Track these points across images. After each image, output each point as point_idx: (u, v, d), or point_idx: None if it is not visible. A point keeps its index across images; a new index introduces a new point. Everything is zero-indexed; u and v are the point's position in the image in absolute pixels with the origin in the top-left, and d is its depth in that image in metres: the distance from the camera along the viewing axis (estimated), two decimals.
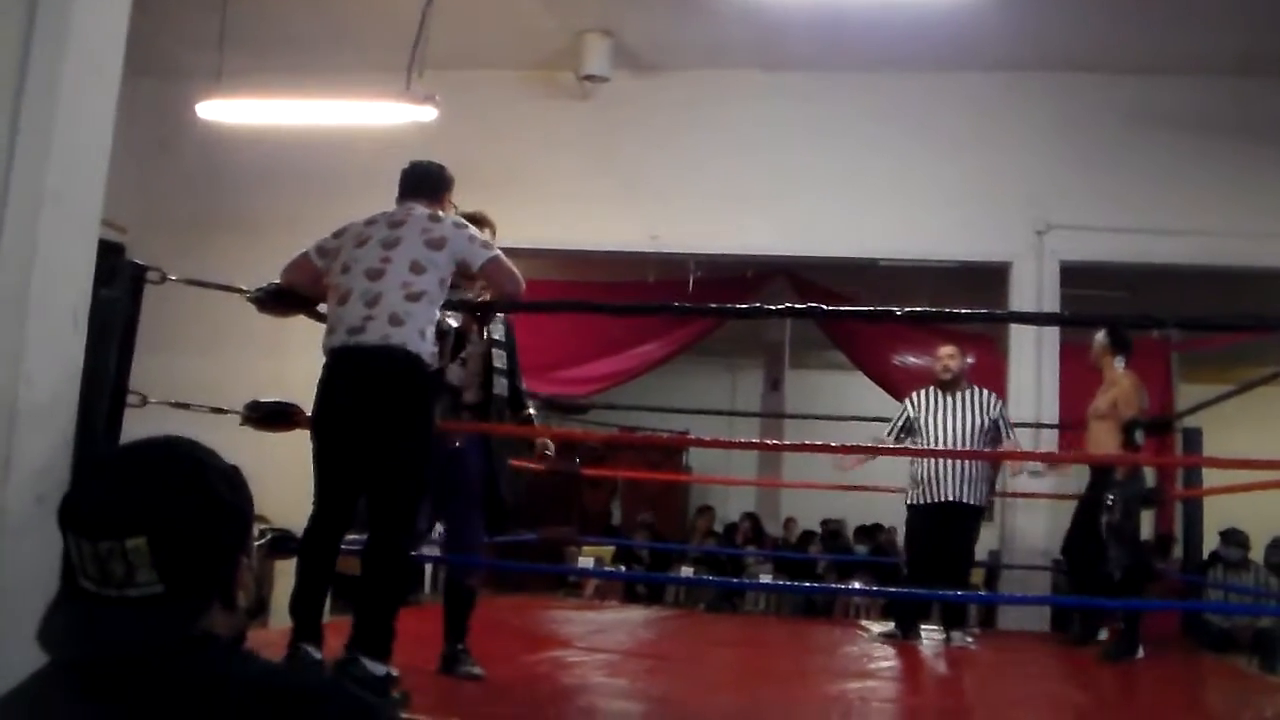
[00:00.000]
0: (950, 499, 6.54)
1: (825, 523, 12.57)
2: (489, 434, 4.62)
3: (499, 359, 4.65)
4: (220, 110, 7.93)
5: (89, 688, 1.32)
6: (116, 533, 1.32)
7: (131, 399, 4.04)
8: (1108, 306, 9.74)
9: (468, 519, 4.53)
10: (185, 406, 4.54)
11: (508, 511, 4.79)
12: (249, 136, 8.33)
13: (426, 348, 3.82)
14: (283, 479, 4.16)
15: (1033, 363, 7.96)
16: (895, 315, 5.00)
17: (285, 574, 3.92)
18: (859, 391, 10.85)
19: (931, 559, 6.60)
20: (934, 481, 6.57)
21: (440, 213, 4.12)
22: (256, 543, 1.56)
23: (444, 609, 4.53)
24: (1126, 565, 6.16)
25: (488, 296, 4.44)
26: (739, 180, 8.53)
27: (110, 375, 3.86)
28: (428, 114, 7.42)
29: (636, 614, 8.12)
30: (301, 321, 4.48)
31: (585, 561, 9.87)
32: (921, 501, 6.65)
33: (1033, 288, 8.18)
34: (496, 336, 4.65)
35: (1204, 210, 7.99)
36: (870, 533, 11.85)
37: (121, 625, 1.32)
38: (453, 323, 4.24)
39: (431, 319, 3.88)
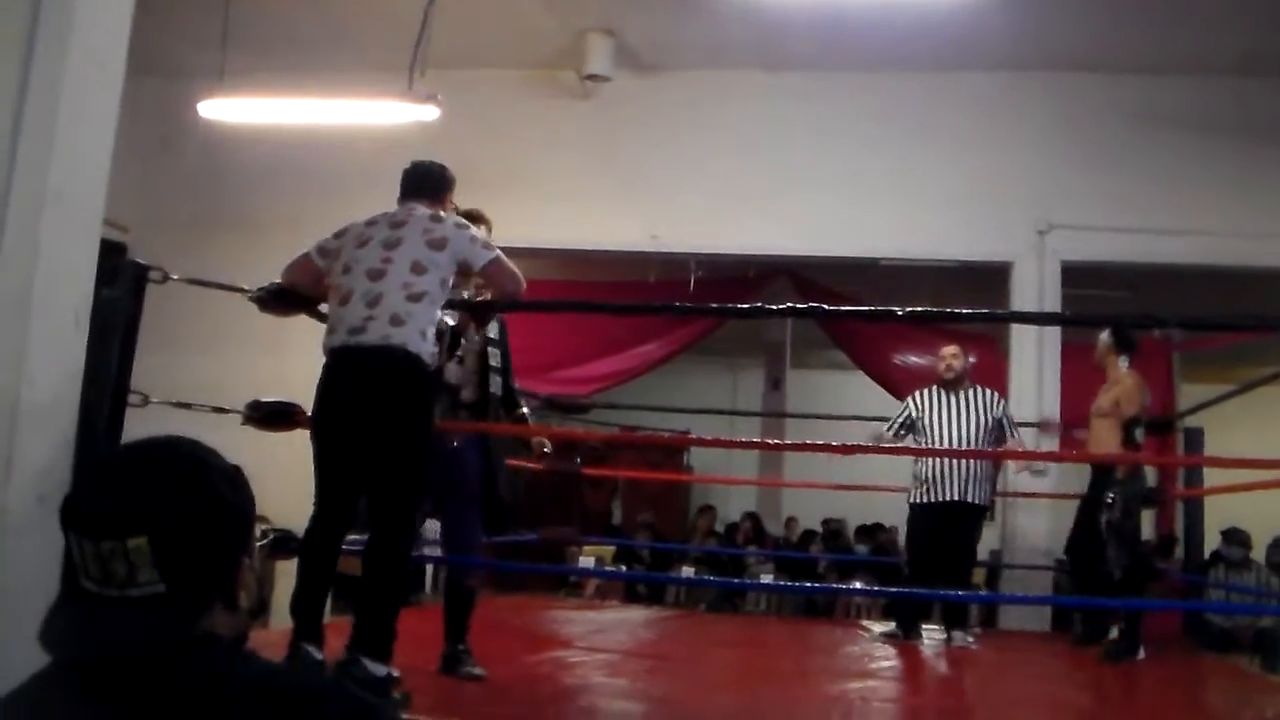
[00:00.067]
0: (954, 498, 6.54)
1: (826, 522, 12.57)
2: (487, 433, 4.63)
3: (494, 357, 4.65)
4: (222, 109, 7.94)
5: (90, 688, 1.32)
6: (118, 532, 1.32)
7: (133, 399, 4.03)
8: (1109, 306, 9.74)
9: (466, 519, 4.52)
10: (187, 406, 4.54)
11: (506, 510, 4.79)
12: (251, 136, 8.34)
13: (427, 348, 3.82)
14: (284, 479, 4.16)
15: (1034, 362, 7.96)
16: (896, 315, 5.00)
17: (286, 574, 3.93)
18: (860, 391, 10.85)
19: (933, 558, 6.60)
20: (938, 481, 6.56)
21: (442, 213, 4.12)
22: (258, 543, 1.55)
23: (444, 609, 4.53)
24: (1127, 565, 6.15)
25: (488, 295, 4.44)
26: (740, 180, 8.54)
27: (112, 375, 3.85)
28: (429, 113, 7.43)
29: (637, 614, 8.12)
30: (303, 321, 4.48)
31: (586, 561, 9.88)
32: (925, 500, 6.64)
33: (1034, 287, 8.18)
34: (492, 335, 4.65)
35: (1205, 210, 7.99)
36: (871, 532, 11.84)
37: (123, 625, 1.32)
38: (449, 321, 4.24)
39: (432, 319, 3.88)
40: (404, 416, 3.77)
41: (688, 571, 10.03)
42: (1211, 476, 7.27)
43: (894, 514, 8.64)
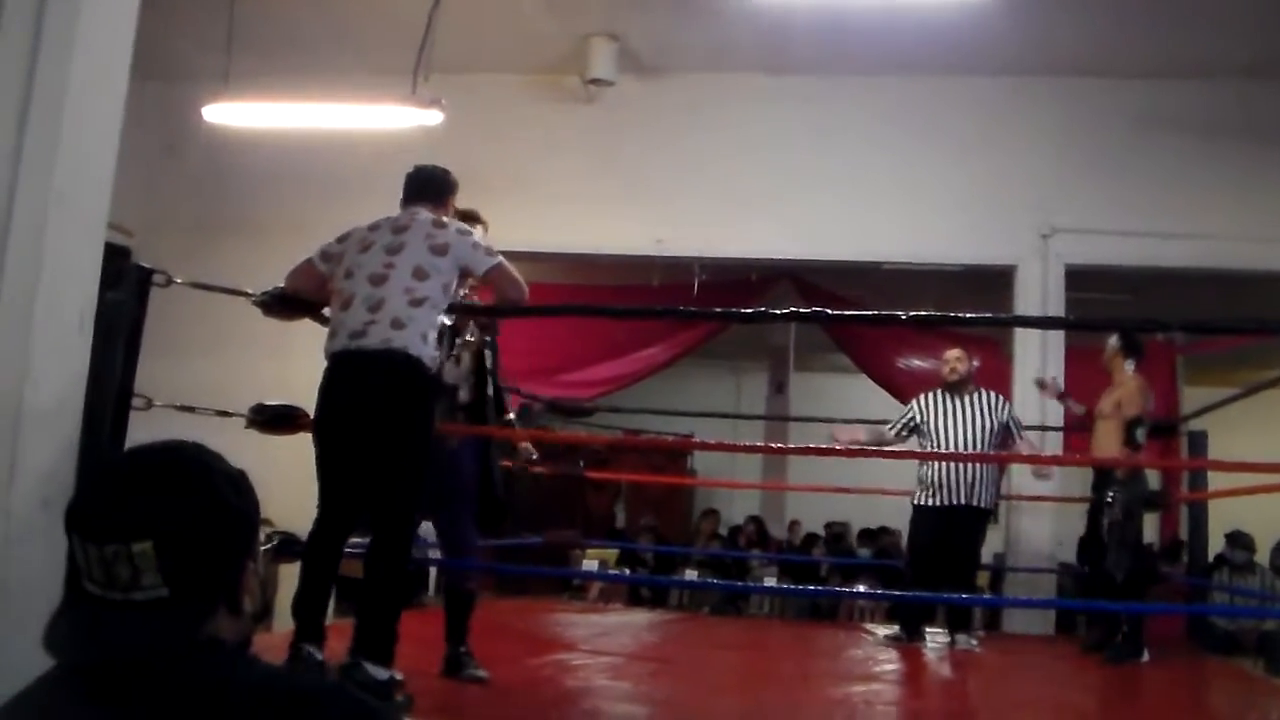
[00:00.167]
0: (959, 502, 6.53)
1: (829, 525, 12.58)
2: (484, 435, 4.64)
3: (488, 359, 4.67)
4: (227, 114, 7.94)
5: (94, 692, 1.33)
6: (122, 536, 1.33)
7: (137, 402, 4.04)
8: (1112, 310, 9.74)
9: (463, 521, 4.53)
10: (190, 409, 4.55)
11: (504, 511, 4.79)
12: (255, 140, 8.34)
13: (428, 352, 3.83)
14: (287, 482, 4.16)
15: (1037, 366, 7.94)
16: (900, 319, 5.00)
17: (290, 577, 3.93)
18: (864, 395, 10.86)
19: (936, 561, 6.60)
20: (943, 485, 6.55)
21: (445, 218, 4.12)
22: (262, 547, 1.55)
23: (444, 612, 4.53)
24: (1129, 568, 6.15)
25: (475, 297, 4.46)
26: (744, 183, 8.54)
27: (116, 378, 3.86)
28: (433, 118, 7.43)
29: (640, 617, 8.12)
30: (306, 325, 4.48)
31: (589, 565, 9.89)
32: (930, 503, 6.63)
33: (1038, 291, 8.18)
34: (487, 337, 4.66)
35: (1209, 214, 7.99)
36: (873, 536, 11.85)
37: (127, 629, 1.33)
38: (445, 320, 4.25)
39: (434, 324, 3.89)
40: (404, 419, 3.78)
41: (691, 575, 10.02)
42: (1215, 480, 7.27)
43: (898, 517, 8.64)
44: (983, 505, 6.62)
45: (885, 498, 8.09)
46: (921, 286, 9.35)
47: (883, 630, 7.12)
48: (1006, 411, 6.72)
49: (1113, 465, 6.20)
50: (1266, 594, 8.72)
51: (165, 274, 4.19)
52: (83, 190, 3.40)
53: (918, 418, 6.79)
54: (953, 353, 6.85)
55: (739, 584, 9.83)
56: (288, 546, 4.38)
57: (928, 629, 6.82)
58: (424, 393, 3.85)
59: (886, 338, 10.01)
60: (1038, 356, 7.89)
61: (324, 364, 3.92)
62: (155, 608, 1.34)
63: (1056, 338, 8.07)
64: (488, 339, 4.66)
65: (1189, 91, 8.18)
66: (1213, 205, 8.03)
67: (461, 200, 4.49)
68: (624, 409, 9.79)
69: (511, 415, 5.03)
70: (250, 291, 4.45)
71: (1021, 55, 8.10)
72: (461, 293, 4.39)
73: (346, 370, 3.83)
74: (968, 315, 5.85)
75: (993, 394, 6.78)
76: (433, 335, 3.87)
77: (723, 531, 12.21)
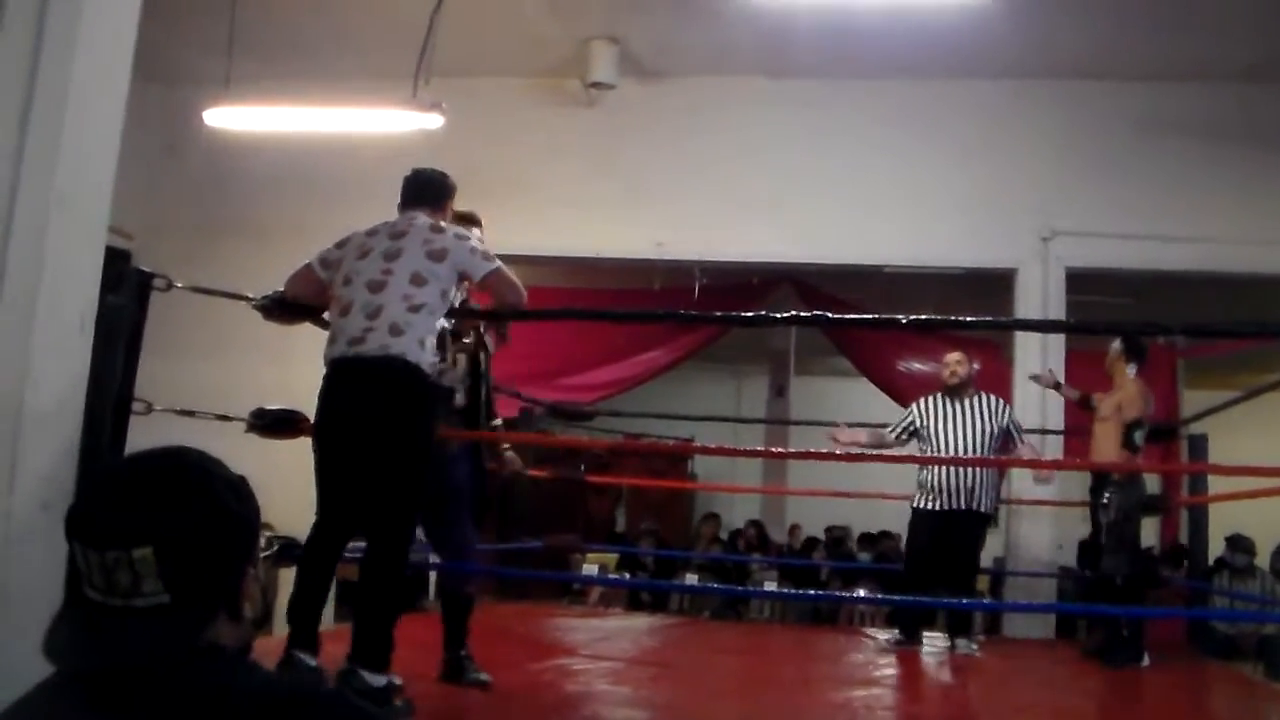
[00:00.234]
0: (959, 507, 6.52)
1: (830, 529, 12.58)
2: (478, 438, 4.65)
3: (482, 362, 4.67)
4: (227, 117, 7.94)
5: (94, 698, 1.32)
6: (123, 542, 1.33)
7: (137, 406, 4.04)
8: (1113, 313, 9.75)
9: (460, 524, 4.53)
10: (190, 414, 4.54)
11: (490, 507, 4.78)
12: (255, 143, 8.35)
13: (427, 357, 3.82)
14: (288, 486, 4.16)
15: (1038, 369, 7.94)
16: (901, 323, 4.99)
17: (290, 582, 3.92)
18: (864, 398, 10.86)
19: (934, 564, 6.58)
20: (944, 489, 6.53)
21: (443, 223, 4.12)
22: (263, 554, 1.55)
23: (442, 616, 4.53)
24: (1128, 571, 6.15)
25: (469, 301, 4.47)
26: (744, 187, 8.54)
27: (116, 382, 3.86)
28: (434, 121, 7.44)
29: (641, 621, 8.11)
30: (307, 329, 4.48)
31: (590, 569, 9.87)
32: (929, 507, 6.62)
33: (1038, 294, 8.19)
34: (487, 340, 4.67)
35: (1210, 217, 7.99)
36: (873, 540, 11.85)
37: (127, 635, 1.33)
38: (445, 324, 4.25)
39: (432, 330, 3.88)
40: (402, 425, 3.77)
41: (691, 579, 10.01)
42: (1216, 483, 7.26)
43: (898, 521, 8.64)
44: (982, 510, 6.60)
45: (886, 502, 8.09)
46: (922, 290, 9.36)
47: (885, 635, 7.11)
48: (1007, 416, 6.70)
49: (1112, 469, 6.20)
50: (1267, 598, 8.71)
51: (166, 278, 4.19)
52: (84, 193, 3.40)
53: (918, 421, 6.77)
54: (952, 356, 6.83)
55: (739, 589, 9.82)
56: (289, 551, 4.38)
57: (926, 633, 6.82)
58: (422, 399, 3.85)
59: (887, 341, 10.01)
60: (1038, 359, 7.88)
61: (324, 369, 3.92)
62: (156, 614, 1.34)
63: (1057, 341, 8.07)
64: (485, 344, 4.66)
65: (1189, 94, 8.19)
66: (1213, 208, 8.04)
67: (462, 203, 4.48)
68: (624, 413, 9.79)
69: (499, 420, 5.02)
70: (251, 295, 4.44)
71: (1022, 58, 8.11)
72: (461, 297, 4.39)
73: (345, 377, 3.82)
74: (968, 319, 5.85)
75: (993, 398, 6.76)
76: (431, 341, 3.86)
77: (723, 535, 12.21)
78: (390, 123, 7.73)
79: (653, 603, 10.00)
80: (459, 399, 4.56)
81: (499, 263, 4.09)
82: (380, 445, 3.74)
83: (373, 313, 3.80)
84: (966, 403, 6.67)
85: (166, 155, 8.80)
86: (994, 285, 8.55)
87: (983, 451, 6.55)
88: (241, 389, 5.25)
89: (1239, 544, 9.01)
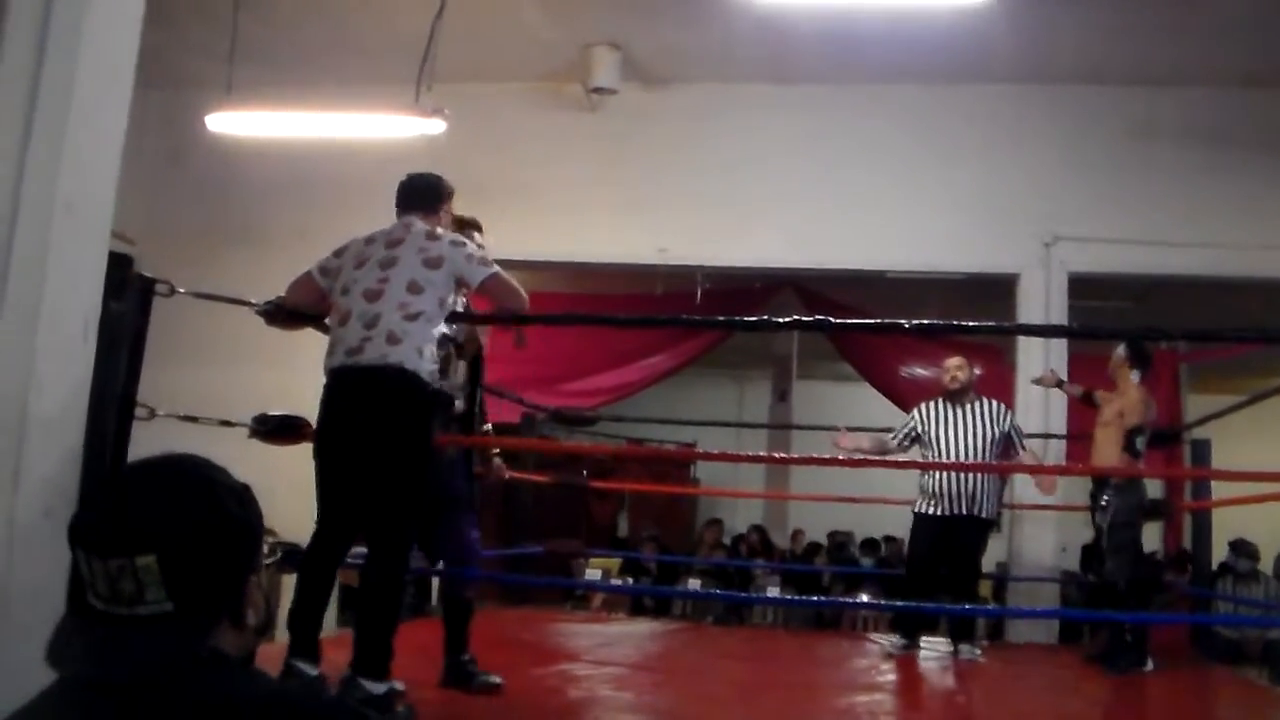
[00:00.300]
0: (961, 512, 6.50)
1: (832, 534, 12.57)
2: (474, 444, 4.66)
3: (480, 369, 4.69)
4: (230, 123, 7.96)
5: (98, 706, 1.32)
6: (127, 551, 1.33)
7: (140, 411, 4.04)
8: (1115, 318, 9.74)
9: (461, 529, 4.53)
10: (193, 419, 4.54)
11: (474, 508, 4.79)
12: (258, 149, 8.36)
13: (425, 365, 3.82)
14: (291, 492, 4.16)
15: (1040, 373, 7.94)
16: (903, 328, 4.99)
17: (293, 587, 3.92)
18: (866, 403, 10.85)
19: (935, 568, 6.58)
20: (944, 494, 6.52)
21: (439, 229, 4.11)
22: (267, 561, 1.55)
23: (444, 622, 4.53)
24: (1130, 576, 6.14)
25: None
26: (747, 192, 8.55)
27: (119, 388, 3.86)
28: (436, 127, 7.45)
29: (644, 627, 8.10)
30: (309, 334, 4.48)
31: (592, 574, 9.86)
32: (930, 512, 6.60)
33: (1040, 299, 8.18)
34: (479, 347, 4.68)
35: (1211, 221, 7.99)
36: (875, 545, 11.84)
37: (130, 644, 1.33)
38: (446, 330, 4.26)
39: (430, 337, 3.88)
40: (401, 434, 3.77)
41: (694, 584, 10.00)
42: (1219, 488, 7.26)
43: (902, 525, 8.64)
44: (984, 515, 6.58)
45: (889, 507, 8.08)
46: (924, 294, 9.36)
47: (888, 640, 7.09)
48: (1008, 421, 6.68)
49: (1114, 474, 6.19)
50: (1271, 603, 8.70)
51: (169, 284, 4.19)
52: (87, 199, 3.40)
53: (919, 427, 6.75)
54: (953, 361, 6.80)
55: (742, 595, 9.81)
56: (292, 556, 4.38)
57: (926, 637, 6.80)
58: (421, 406, 3.85)
59: (889, 346, 10.01)
60: (1041, 364, 7.87)
61: (324, 378, 3.93)
62: (160, 622, 1.34)
63: (1059, 345, 8.07)
64: (482, 350, 4.68)
65: (1191, 99, 8.20)
66: (1215, 213, 8.04)
67: (464, 208, 4.49)
68: (627, 418, 9.78)
69: (489, 425, 5.03)
70: (253, 301, 4.44)
71: (1024, 63, 8.12)
72: (461, 303, 4.40)
73: (344, 386, 3.84)
74: (971, 324, 5.85)
75: (994, 402, 6.74)
76: (429, 349, 3.86)
77: (726, 540, 12.20)
78: (392, 128, 7.74)
79: (655, 608, 9.99)
80: (458, 405, 4.57)
81: (496, 268, 4.09)
82: (380, 453, 3.74)
83: (370, 322, 3.80)
84: (967, 408, 6.66)
85: (169, 161, 8.81)
86: (996, 290, 8.55)
87: (984, 457, 6.54)
88: (244, 394, 5.25)
89: (1242, 549, 9.00)
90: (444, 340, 4.11)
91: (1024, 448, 6.69)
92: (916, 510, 6.73)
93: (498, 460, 5.25)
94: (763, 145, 8.61)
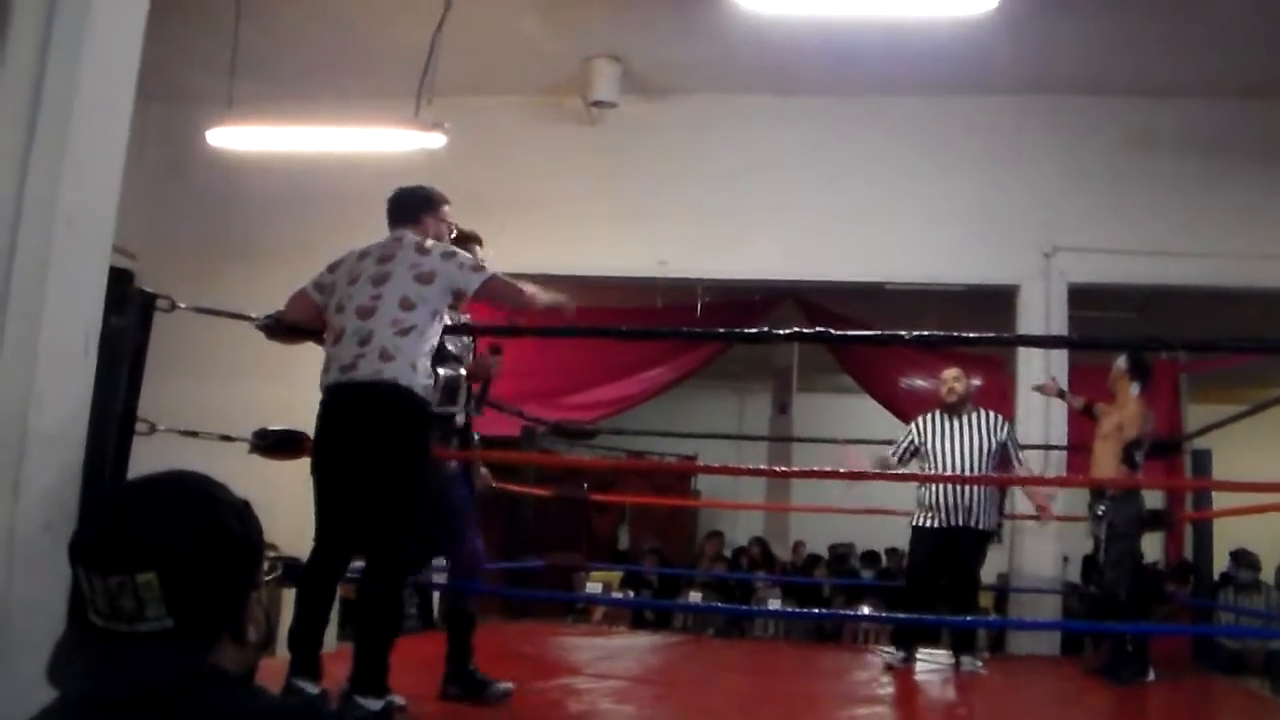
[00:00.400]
0: (958, 524, 6.48)
1: (833, 547, 12.56)
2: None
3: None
4: (230, 137, 7.96)
5: None
6: (127, 568, 1.33)
7: (140, 426, 4.04)
8: (1116, 328, 9.75)
9: (464, 543, 4.53)
10: (193, 434, 4.55)
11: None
12: (259, 162, 8.37)
13: (419, 379, 3.82)
14: (292, 506, 4.17)
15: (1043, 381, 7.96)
16: (904, 339, 4.99)
17: (293, 602, 3.92)
18: (867, 415, 10.84)
19: (934, 582, 6.56)
20: (942, 506, 6.50)
21: (429, 242, 4.10)
22: (267, 577, 1.55)
23: (448, 634, 4.53)
24: (1130, 587, 6.13)
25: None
26: (747, 204, 8.56)
27: (119, 402, 3.86)
28: (436, 141, 7.45)
29: (645, 640, 8.09)
30: (309, 348, 4.48)
31: (593, 587, 9.85)
32: (928, 525, 6.59)
33: (1040, 309, 8.18)
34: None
35: (1211, 231, 8.00)
36: (875, 557, 11.83)
37: (131, 661, 1.32)
38: (451, 347, 4.28)
39: (424, 352, 3.88)
40: (396, 449, 3.78)
41: (695, 596, 9.98)
42: (1220, 499, 7.25)
43: (903, 537, 8.65)
44: (982, 527, 6.55)
45: (891, 518, 8.08)
46: (924, 306, 9.36)
47: (890, 652, 7.07)
48: (1005, 431, 6.65)
49: (1114, 485, 6.18)
50: (1272, 613, 8.69)
51: (169, 299, 4.20)
52: (88, 213, 3.41)
53: (917, 439, 6.73)
54: (950, 372, 6.77)
55: (742, 608, 9.80)
56: (293, 571, 4.38)
57: (928, 650, 6.79)
58: (415, 421, 3.85)
59: (889, 358, 10.02)
60: (1041, 375, 7.86)
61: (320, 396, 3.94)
62: (160, 639, 1.33)
63: (1060, 356, 8.06)
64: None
65: (1190, 110, 8.21)
66: (1214, 223, 8.05)
67: (464, 222, 4.50)
68: (627, 430, 9.79)
69: (476, 435, 5.04)
70: (253, 315, 4.45)
71: (1023, 74, 8.13)
72: (460, 318, 4.42)
73: (339, 403, 3.84)
74: (971, 335, 5.85)
75: (991, 414, 6.72)
76: (423, 363, 3.86)
77: (727, 553, 12.18)
78: (392, 142, 7.75)
79: (656, 621, 9.98)
80: (459, 420, 4.58)
81: (490, 271, 4.09)
82: (376, 468, 3.74)
83: (364, 339, 3.81)
84: (965, 419, 6.63)
85: (170, 174, 8.82)
86: (996, 301, 8.55)
87: (981, 468, 6.51)
88: (244, 409, 5.25)
89: (1244, 559, 9.00)
90: (452, 379, 4.16)
91: (1020, 460, 6.68)
92: (915, 524, 6.71)
93: (484, 470, 5.26)
94: (763, 157, 8.62)
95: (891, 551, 11.71)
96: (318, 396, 3.93)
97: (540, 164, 8.75)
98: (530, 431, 8.00)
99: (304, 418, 4.24)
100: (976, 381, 6.96)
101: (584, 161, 8.81)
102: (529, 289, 4.16)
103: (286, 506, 3.93)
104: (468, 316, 4.82)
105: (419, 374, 3.82)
